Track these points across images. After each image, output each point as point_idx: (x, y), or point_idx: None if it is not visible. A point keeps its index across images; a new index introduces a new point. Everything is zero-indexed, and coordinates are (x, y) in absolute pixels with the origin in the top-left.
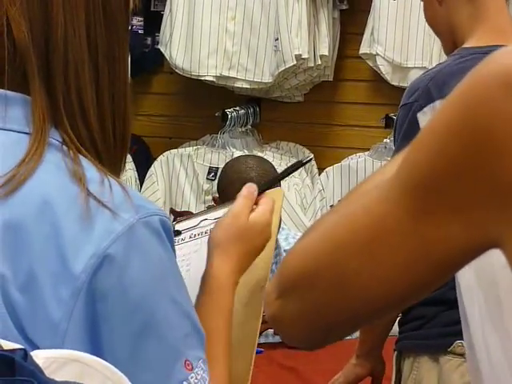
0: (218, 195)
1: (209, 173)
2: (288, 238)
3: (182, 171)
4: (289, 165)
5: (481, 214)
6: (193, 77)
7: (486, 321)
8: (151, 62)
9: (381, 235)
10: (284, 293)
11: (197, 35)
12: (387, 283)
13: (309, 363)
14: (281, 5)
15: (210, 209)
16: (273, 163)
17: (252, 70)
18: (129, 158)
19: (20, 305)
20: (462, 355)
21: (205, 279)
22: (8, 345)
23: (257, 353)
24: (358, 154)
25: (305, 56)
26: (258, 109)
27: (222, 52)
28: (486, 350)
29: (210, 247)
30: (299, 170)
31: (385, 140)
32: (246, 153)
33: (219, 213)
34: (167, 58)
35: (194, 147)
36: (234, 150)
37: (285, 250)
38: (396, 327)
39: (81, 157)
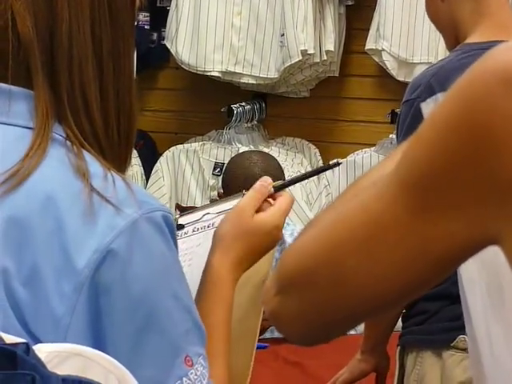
0: (222, 191)
1: (214, 168)
2: (293, 233)
3: (188, 167)
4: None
5: (479, 211)
6: (199, 72)
7: (489, 312)
8: (157, 57)
9: (378, 232)
10: (283, 290)
11: (203, 30)
12: (385, 281)
13: (314, 358)
14: (287, 0)
15: (212, 202)
16: (278, 159)
17: (258, 65)
18: (135, 153)
19: (23, 299)
20: (464, 350)
21: (205, 272)
22: (10, 338)
23: (262, 348)
24: (363, 150)
25: (311, 51)
26: (263, 104)
27: (227, 47)
28: (488, 342)
29: (214, 240)
30: (305, 166)
31: (391, 135)
32: (252, 148)
33: (222, 206)
34: (173, 53)
35: (200, 143)
36: (240, 145)
37: None
38: (399, 322)
39: (84, 152)
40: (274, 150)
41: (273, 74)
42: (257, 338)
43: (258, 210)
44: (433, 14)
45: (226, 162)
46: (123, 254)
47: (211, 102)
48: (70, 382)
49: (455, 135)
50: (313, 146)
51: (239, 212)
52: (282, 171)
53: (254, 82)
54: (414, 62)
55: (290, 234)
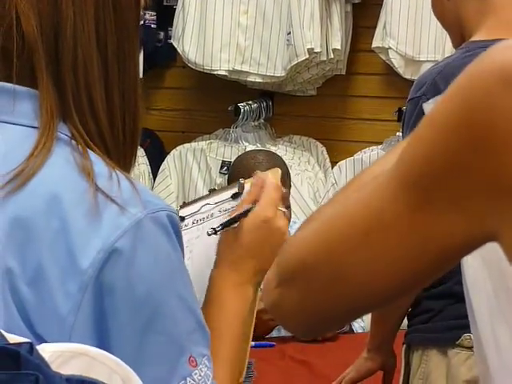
0: None
1: (221, 167)
2: None
3: (195, 165)
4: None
5: (479, 209)
6: (205, 71)
7: (495, 312)
8: (164, 56)
9: (379, 228)
10: (283, 282)
11: (209, 29)
12: (385, 277)
13: (321, 357)
14: None
15: (211, 193)
16: (285, 157)
17: (264, 64)
18: (142, 152)
19: (28, 299)
20: (470, 348)
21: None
22: (14, 338)
23: (269, 346)
24: (370, 148)
25: (317, 50)
26: (270, 103)
27: (234, 46)
28: (494, 344)
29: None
30: (312, 164)
31: (397, 133)
32: (259, 147)
33: (220, 196)
34: (180, 52)
35: (207, 141)
36: (247, 143)
37: None
38: (405, 321)
39: (89, 151)
40: (281, 149)
41: (279, 72)
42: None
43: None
44: (439, 12)
45: (233, 160)
46: (128, 253)
47: (218, 100)
48: (73, 382)
49: (455, 135)
50: (320, 145)
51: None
52: (288, 170)
53: (261, 81)
54: (421, 59)
55: None
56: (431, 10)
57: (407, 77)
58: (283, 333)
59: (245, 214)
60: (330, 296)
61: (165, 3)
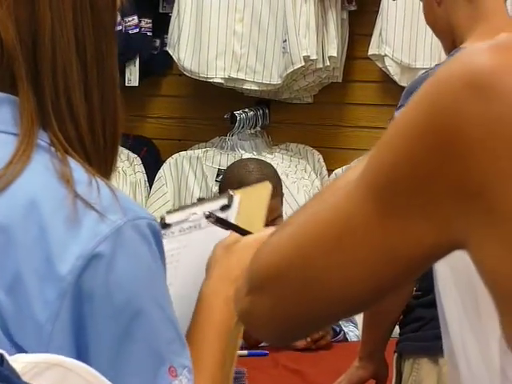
0: None
1: (218, 175)
2: None
3: (191, 173)
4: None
5: (446, 217)
6: (201, 79)
7: (463, 321)
8: (160, 64)
9: (348, 233)
10: (254, 289)
11: (205, 37)
12: (355, 282)
13: (313, 365)
14: (289, 6)
15: (199, 201)
16: (282, 165)
17: (260, 71)
18: (138, 160)
19: (5, 306)
20: None
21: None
22: None
23: (262, 355)
24: None
25: (313, 57)
26: (267, 110)
27: (230, 54)
28: (463, 352)
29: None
30: (308, 172)
31: None
32: (255, 155)
33: (209, 206)
34: (175, 60)
35: (203, 149)
36: (243, 151)
37: None
38: (396, 329)
39: (69, 158)
40: (278, 157)
41: (275, 80)
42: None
43: None
44: (430, 19)
45: None
46: (107, 259)
47: (214, 108)
48: None
49: (420, 141)
50: (316, 152)
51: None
52: (279, 179)
53: (257, 89)
54: (417, 67)
55: None
56: None
57: (403, 84)
58: None
59: (242, 231)
60: (303, 302)
61: (161, 11)
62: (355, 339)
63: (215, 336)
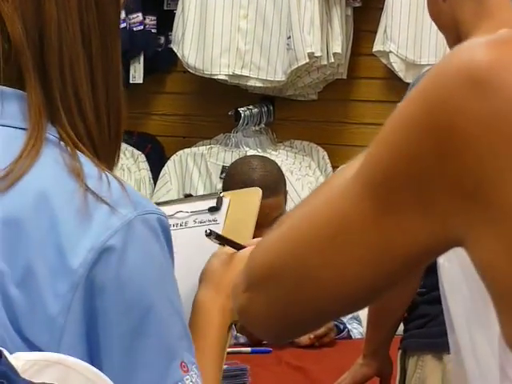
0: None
1: (222, 172)
2: None
3: (196, 170)
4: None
5: (442, 212)
6: (205, 76)
7: (472, 317)
8: (165, 61)
9: (343, 231)
10: (251, 287)
11: (209, 34)
12: (351, 279)
13: (317, 363)
14: (293, 3)
15: (188, 198)
16: (286, 162)
17: (265, 68)
18: (143, 157)
19: (17, 300)
20: None
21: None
22: None
23: (265, 352)
24: None
25: (317, 54)
26: (271, 107)
27: (234, 50)
28: (471, 348)
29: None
30: (313, 169)
31: None
32: (260, 152)
33: (196, 205)
34: (180, 57)
35: (208, 146)
36: (248, 148)
37: None
38: (401, 326)
39: (78, 153)
40: (282, 154)
41: (280, 76)
42: None
43: None
44: (434, 14)
45: None
46: (118, 253)
47: (219, 105)
48: None
49: (417, 137)
50: (321, 149)
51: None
52: (283, 176)
53: (262, 85)
54: (422, 63)
55: None
56: None
57: (408, 81)
58: None
59: (239, 248)
60: (298, 300)
61: (165, 8)
62: (359, 336)
63: (214, 342)
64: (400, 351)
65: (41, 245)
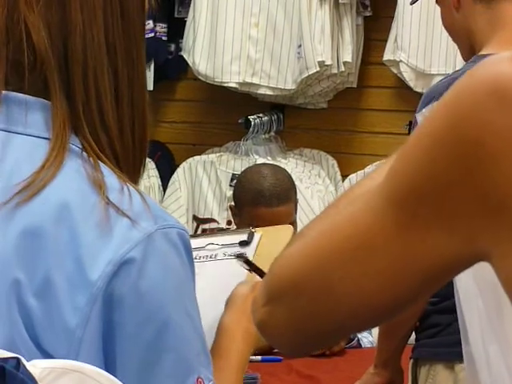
0: (233, 203)
1: (232, 180)
2: None
3: (205, 178)
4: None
5: (468, 229)
6: (216, 83)
7: (487, 330)
8: (175, 68)
9: (365, 245)
10: (271, 300)
11: (220, 42)
12: (373, 294)
13: (328, 372)
14: (304, 11)
15: (219, 231)
16: (296, 170)
17: (275, 76)
18: (152, 165)
19: (35, 311)
20: None
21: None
22: (1, 353)
23: (275, 361)
24: (381, 161)
25: (328, 63)
26: (281, 115)
27: (245, 58)
28: (486, 360)
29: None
30: (322, 177)
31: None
32: (270, 160)
33: (227, 239)
34: (190, 64)
35: (217, 154)
36: (258, 156)
37: None
38: (413, 335)
39: (101, 164)
40: (292, 162)
41: (290, 85)
42: None
43: None
44: (448, 24)
45: None
46: (138, 265)
47: (229, 113)
48: None
49: (442, 152)
50: (330, 158)
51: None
52: (294, 184)
53: (272, 94)
54: (432, 73)
55: None
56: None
57: (418, 90)
58: None
59: (261, 273)
60: (319, 313)
61: (176, 15)
62: (369, 345)
63: (235, 364)
64: (411, 360)
65: (60, 256)
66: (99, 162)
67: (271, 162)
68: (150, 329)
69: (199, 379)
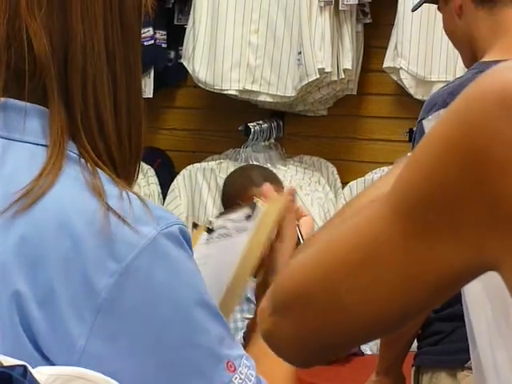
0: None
1: None
2: None
3: (205, 185)
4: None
5: (476, 239)
6: (215, 91)
7: (495, 336)
8: (175, 75)
9: (372, 255)
10: (278, 311)
11: (219, 49)
12: (381, 305)
13: (330, 379)
14: (304, 18)
15: (226, 211)
16: (295, 177)
17: (275, 83)
18: (152, 172)
19: (37, 321)
20: None
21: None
22: (8, 361)
23: None
24: (381, 168)
25: (328, 70)
26: (281, 123)
27: (244, 66)
28: (494, 366)
29: None
30: (322, 185)
31: (409, 154)
32: (269, 167)
33: (238, 215)
34: (190, 71)
35: (217, 161)
36: (257, 164)
37: None
38: (415, 342)
39: (98, 170)
40: (292, 169)
41: (290, 92)
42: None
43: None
44: (450, 31)
45: None
46: (144, 272)
47: (229, 120)
48: None
49: (451, 161)
50: (330, 165)
51: None
52: (281, 183)
53: (272, 101)
54: (432, 80)
55: None
56: (443, 31)
57: (418, 97)
58: None
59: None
60: (326, 324)
61: (175, 22)
62: (369, 352)
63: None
64: (414, 368)
65: (63, 265)
66: (97, 168)
67: (270, 169)
68: (170, 333)
69: (229, 363)
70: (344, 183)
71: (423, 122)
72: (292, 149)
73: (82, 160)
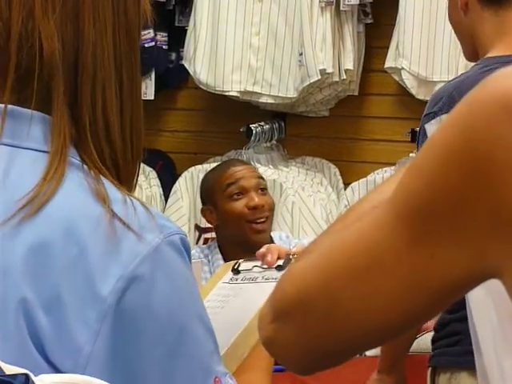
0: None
1: None
2: None
3: None
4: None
5: (478, 245)
6: (217, 92)
7: (500, 341)
8: (176, 77)
9: (374, 261)
10: (278, 318)
11: (221, 50)
12: (383, 312)
13: (332, 381)
14: (305, 19)
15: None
16: (298, 178)
17: (276, 85)
18: (154, 174)
19: (44, 326)
20: None
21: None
22: (11, 369)
23: (279, 371)
24: (384, 169)
25: (329, 70)
26: (283, 124)
27: (246, 67)
28: (499, 371)
29: None
30: (324, 185)
31: (411, 154)
32: (271, 168)
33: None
34: (191, 73)
35: (219, 163)
36: (259, 165)
37: None
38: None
39: (102, 177)
40: (294, 170)
41: (292, 93)
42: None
43: None
44: (454, 22)
45: None
46: (148, 279)
47: (230, 122)
48: None
49: (453, 165)
50: (332, 166)
51: None
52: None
53: (273, 102)
54: (434, 80)
55: None
56: (444, 31)
57: (420, 97)
58: None
59: None
60: (327, 332)
61: (176, 24)
62: (370, 354)
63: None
64: (430, 369)
65: (69, 272)
66: (100, 175)
67: (273, 171)
68: (166, 340)
69: (217, 378)
70: (346, 184)
71: (426, 126)
72: (294, 150)
73: (85, 166)
